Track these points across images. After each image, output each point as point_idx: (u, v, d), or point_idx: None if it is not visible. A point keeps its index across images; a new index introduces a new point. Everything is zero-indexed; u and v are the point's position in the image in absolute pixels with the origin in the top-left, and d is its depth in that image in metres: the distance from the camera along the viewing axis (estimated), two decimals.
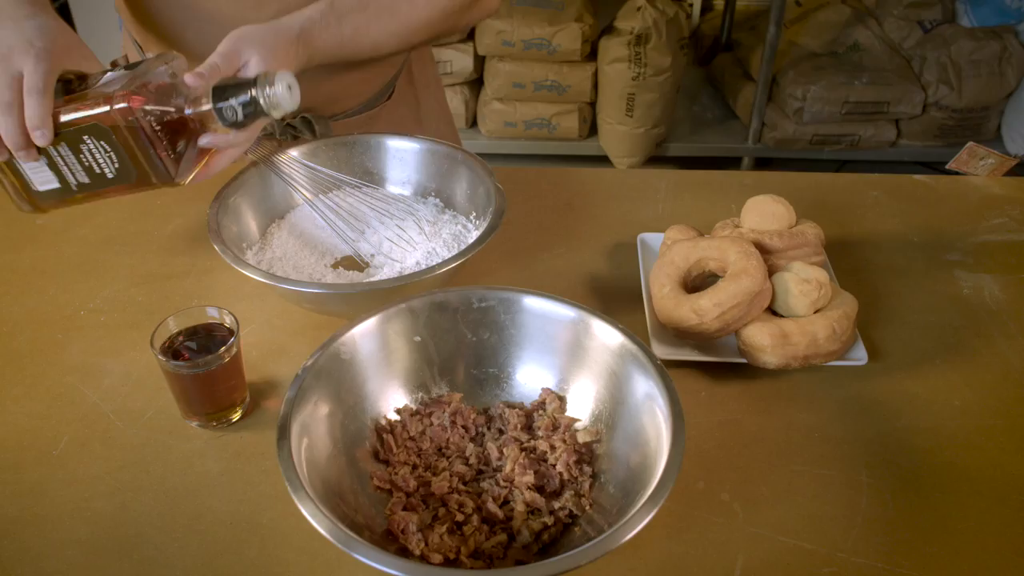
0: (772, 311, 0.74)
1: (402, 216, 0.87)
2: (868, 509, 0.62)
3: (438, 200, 0.90)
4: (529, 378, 0.69)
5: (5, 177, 0.73)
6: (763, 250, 0.76)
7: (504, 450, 0.64)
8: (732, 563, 0.58)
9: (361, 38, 0.85)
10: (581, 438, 0.64)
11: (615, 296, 0.83)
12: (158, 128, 0.67)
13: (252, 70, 0.73)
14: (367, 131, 0.97)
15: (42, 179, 0.71)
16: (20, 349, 0.77)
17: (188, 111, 0.68)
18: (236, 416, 0.69)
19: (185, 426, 0.69)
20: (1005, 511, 0.62)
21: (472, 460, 0.64)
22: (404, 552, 0.57)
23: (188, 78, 0.69)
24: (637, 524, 0.50)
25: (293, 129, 0.96)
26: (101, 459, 0.66)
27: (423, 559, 0.56)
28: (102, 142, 0.67)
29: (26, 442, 0.68)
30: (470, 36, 2.47)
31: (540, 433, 0.65)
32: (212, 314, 0.69)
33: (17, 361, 0.76)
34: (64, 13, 2.28)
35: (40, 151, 0.69)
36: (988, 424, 0.69)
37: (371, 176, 0.92)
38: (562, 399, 0.67)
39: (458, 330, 0.68)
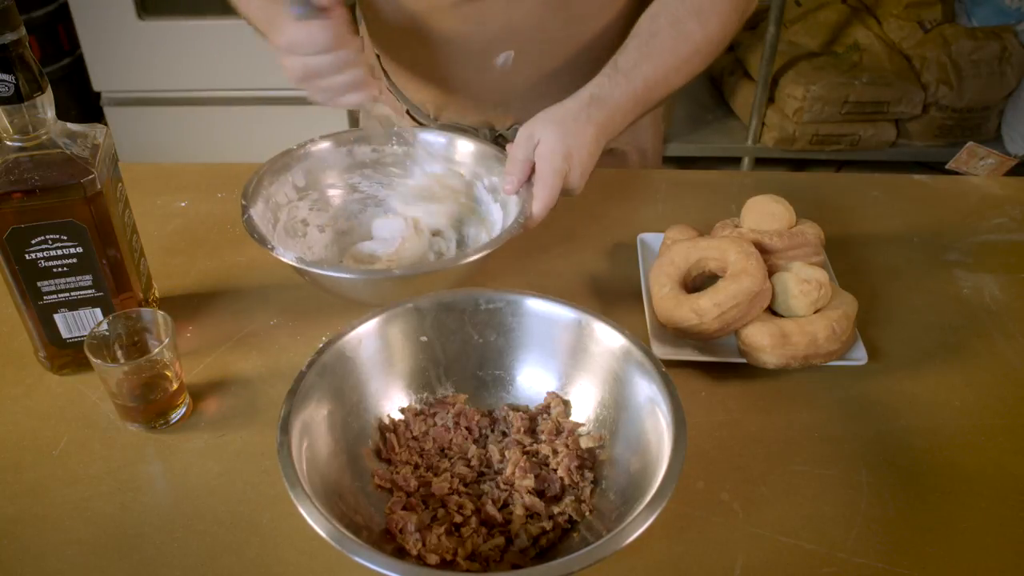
0: (772, 311, 0.74)
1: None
2: (868, 509, 0.62)
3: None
4: (534, 381, 0.69)
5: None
6: (763, 250, 0.76)
7: (506, 453, 0.64)
8: (732, 563, 0.58)
9: (653, 86, 0.84)
10: (584, 443, 0.64)
11: (615, 296, 0.83)
12: None
13: (544, 146, 0.78)
14: None
15: None
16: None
17: None
18: (174, 418, 0.69)
19: (185, 426, 0.69)
20: (1005, 511, 0.62)
21: (474, 462, 0.64)
22: (401, 552, 0.57)
23: (505, 184, 0.81)
24: (632, 532, 0.50)
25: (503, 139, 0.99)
26: (101, 459, 0.66)
27: (420, 559, 0.56)
28: None
29: (26, 442, 0.68)
30: None
31: (543, 437, 0.65)
32: (147, 317, 0.70)
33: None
34: (64, 13, 2.27)
35: None
36: (988, 424, 0.69)
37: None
38: (567, 403, 0.67)
39: (465, 331, 0.68)
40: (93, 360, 0.65)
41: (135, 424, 0.68)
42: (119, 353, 0.69)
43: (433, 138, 0.90)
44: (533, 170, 0.80)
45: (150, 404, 0.67)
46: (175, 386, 0.68)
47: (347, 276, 0.74)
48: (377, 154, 0.91)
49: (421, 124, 1.03)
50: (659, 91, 0.85)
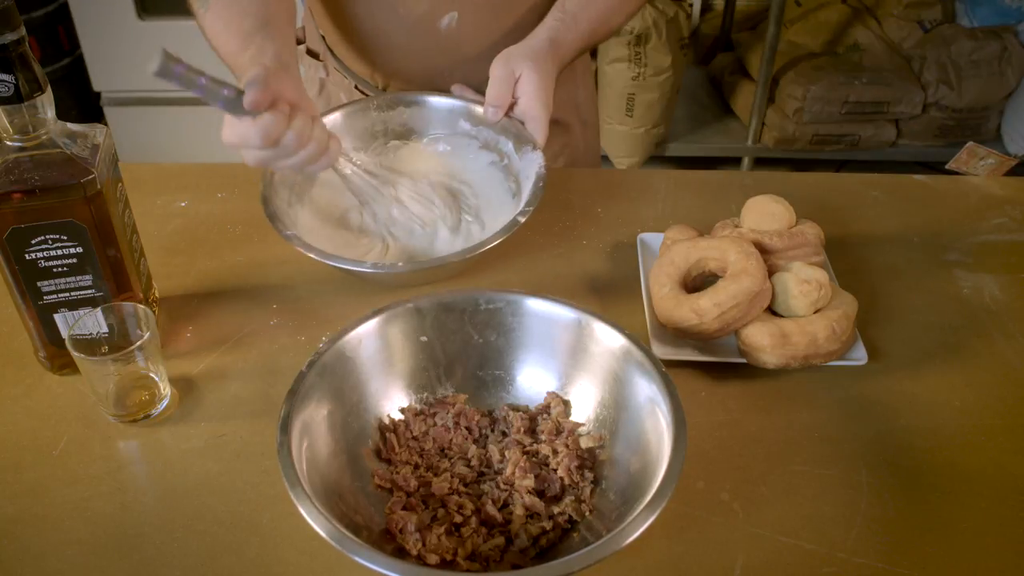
0: (772, 311, 0.74)
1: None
2: (868, 509, 0.62)
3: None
4: (534, 381, 0.69)
5: None
6: (763, 250, 0.76)
7: (506, 453, 0.64)
8: (732, 563, 0.58)
9: (597, 27, 0.92)
10: (584, 443, 0.64)
11: (615, 296, 0.83)
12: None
13: (528, 84, 0.83)
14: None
15: None
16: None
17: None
18: (153, 411, 0.70)
19: (185, 426, 0.69)
20: (1005, 511, 0.62)
21: (474, 462, 0.64)
22: (401, 552, 0.57)
23: (489, 113, 0.85)
24: (632, 532, 0.50)
25: None
26: (101, 459, 0.66)
27: (420, 559, 0.56)
28: None
29: (26, 442, 0.68)
30: None
31: (543, 437, 0.65)
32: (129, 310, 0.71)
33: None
34: (64, 13, 2.27)
35: None
36: (988, 424, 0.69)
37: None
38: (567, 403, 0.67)
39: (465, 331, 0.68)
40: (75, 354, 0.65)
41: (115, 416, 0.69)
42: (104, 348, 0.70)
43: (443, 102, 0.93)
44: (512, 104, 0.86)
45: (130, 396, 0.69)
46: (154, 378, 0.69)
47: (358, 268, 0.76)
48: (384, 124, 0.93)
49: (368, 96, 1.01)
50: (601, 32, 0.93)
